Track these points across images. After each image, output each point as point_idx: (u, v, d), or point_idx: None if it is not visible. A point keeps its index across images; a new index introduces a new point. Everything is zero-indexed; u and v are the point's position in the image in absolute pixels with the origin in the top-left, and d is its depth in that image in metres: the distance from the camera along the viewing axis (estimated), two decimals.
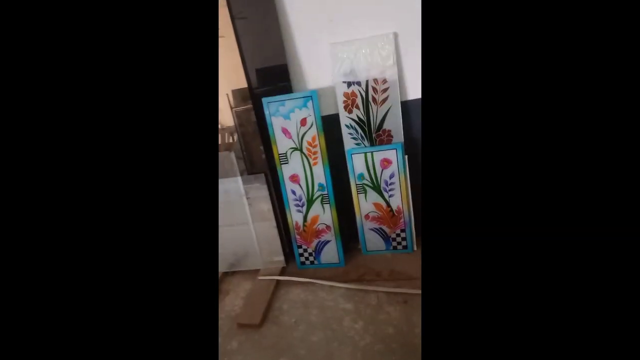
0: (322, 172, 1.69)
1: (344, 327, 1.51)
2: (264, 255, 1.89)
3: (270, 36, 1.57)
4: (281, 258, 1.88)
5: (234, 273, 1.97)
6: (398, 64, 1.55)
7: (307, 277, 1.78)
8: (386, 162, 1.68)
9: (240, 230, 1.84)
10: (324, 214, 1.76)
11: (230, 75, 1.62)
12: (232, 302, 1.78)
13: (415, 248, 1.81)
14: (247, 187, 1.78)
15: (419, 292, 1.57)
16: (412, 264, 1.73)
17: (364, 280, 1.71)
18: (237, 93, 1.68)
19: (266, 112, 1.64)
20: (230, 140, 1.78)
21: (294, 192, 1.76)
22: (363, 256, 1.86)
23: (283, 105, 1.63)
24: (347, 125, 1.68)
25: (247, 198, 1.80)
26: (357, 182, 1.74)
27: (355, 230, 1.84)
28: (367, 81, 1.59)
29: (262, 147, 1.72)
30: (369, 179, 1.72)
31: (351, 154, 1.70)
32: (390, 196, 1.74)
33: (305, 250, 1.85)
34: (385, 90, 1.59)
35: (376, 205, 1.76)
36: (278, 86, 1.64)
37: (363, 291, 1.67)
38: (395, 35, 1.51)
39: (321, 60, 1.61)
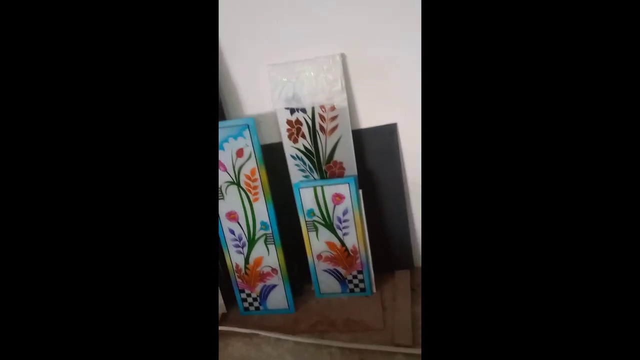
0: (265, 209, 1.48)
1: None
2: None
3: None
4: (220, 303, 1.65)
5: None
6: (347, 89, 1.36)
7: (250, 327, 1.56)
8: (338, 197, 1.49)
9: None
10: (269, 256, 1.55)
11: None
12: None
13: (374, 290, 1.62)
14: None
15: (378, 348, 1.39)
16: (371, 310, 1.55)
17: (315, 332, 1.51)
18: None
19: None
20: None
21: (232, 232, 1.53)
22: (316, 299, 1.66)
23: None
24: (292, 156, 1.47)
25: None
26: (307, 219, 1.54)
27: (308, 272, 1.63)
28: (312, 108, 1.39)
29: None
30: (320, 216, 1.52)
31: (299, 188, 1.50)
32: (344, 234, 1.54)
33: (248, 295, 1.63)
34: (334, 118, 1.40)
35: (329, 244, 1.57)
36: None
37: (314, 345, 1.46)
38: (343, 56, 1.32)
39: (259, 84, 1.39)
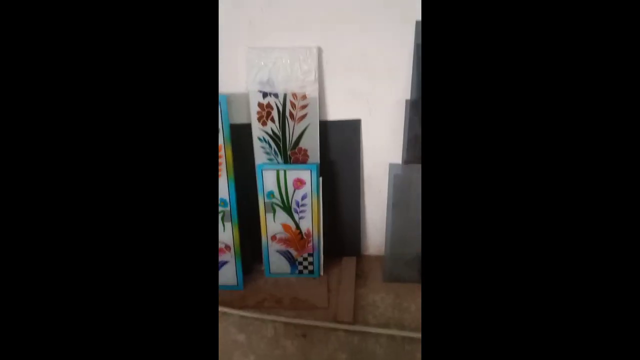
0: (226, 187, 1.51)
1: None
2: None
3: None
4: None
5: None
6: (320, 81, 1.44)
7: None
8: (299, 182, 1.56)
9: None
10: (224, 232, 1.58)
11: None
12: None
13: (321, 273, 1.73)
14: None
15: (320, 324, 1.49)
16: (317, 290, 1.64)
17: (262, 308, 1.58)
18: None
19: None
20: None
21: None
22: (265, 279, 1.72)
23: None
24: (259, 138, 1.53)
25: None
26: (266, 200, 1.60)
27: (259, 252, 1.69)
28: (285, 94, 1.45)
29: None
30: (279, 198, 1.59)
31: (262, 170, 1.55)
32: (300, 218, 1.62)
33: None
34: (304, 106, 1.47)
35: (285, 226, 1.64)
36: None
37: (259, 320, 1.53)
38: (320, 50, 1.40)
39: (236, 65, 1.42)
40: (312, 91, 1.44)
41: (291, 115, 1.48)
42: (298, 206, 1.60)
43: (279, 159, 1.56)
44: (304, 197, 1.58)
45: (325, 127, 1.53)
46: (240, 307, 1.57)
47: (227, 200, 1.54)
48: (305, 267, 1.72)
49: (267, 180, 1.56)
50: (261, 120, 1.50)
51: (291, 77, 1.42)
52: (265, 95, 1.45)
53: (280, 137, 1.52)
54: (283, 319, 1.52)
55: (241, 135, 1.51)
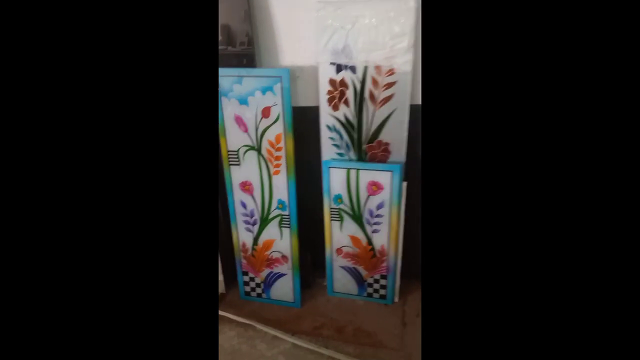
0: (285, 186, 1.22)
1: None
2: None
3: None
4: (220, 279, 1.44)
5: None
6: (416, 50, 1.03)
7: (248, 315, 1.36)
8: (375, 187, 1.20)
9: None
10: (281, 240, 1.31)
11: None
12: None
13: (395, 300, 1.37)
14: None
15: None
16: (388, 322, 1.32)
17: (319, 336, 1.29)
18: None
19: None
20: None
21: (243, 205, 1.29)
22: (327, 297, 1.43)
23: (240, 83, 1.12)
24: (329, 127, 1.19)
25: None
26: (333, 206, 1.27)
27: (322, 264, 1.39)
28: (365, 68, 1.08)
29: None
30: (348, 204, 1.25)
31: (329, 167, 1.22)
32: (374, 231, 1.28)
33: (252, 279, 1.40)
34: (390, 85, 1.09)
35: (353, 239, 1.31)
36: (235, 51, 1.13)
37: (315, 353, 1.24)
38: (419, 4, 0.98)
39: (302, 28, 1.09)
40: (403, 64, 1.05)
41: (372, 96, 1.11)
42: (372, 216, 1.25)
43: (352, 154, 1.21)
44: (380, 206, 1.22)
45: (418, 113, 1.13)
46: (295, 331, 1.31)
47: (286, 202, 1.24)
48: (376, 291, 1.38)
49: (335, 181, 1.23)
50: (332, 103, 1.15)
51: (376, 44, 1.04)
52: (339, 68, 1.10)
53: (356, 125, 1.16)
54: (343, 357, 1.20)
55: (306, 121, 1.21)
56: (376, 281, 1.36)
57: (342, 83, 1.12)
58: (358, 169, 1.20)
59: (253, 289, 1.43)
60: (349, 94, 1.12)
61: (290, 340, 1.28)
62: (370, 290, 1.38)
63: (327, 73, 1.12)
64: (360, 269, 1.35)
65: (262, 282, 1.40)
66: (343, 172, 1.22)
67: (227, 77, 1.12)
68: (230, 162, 1.23)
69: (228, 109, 1.16)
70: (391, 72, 1.07)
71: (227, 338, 1.32)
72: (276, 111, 1.13)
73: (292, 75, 1.14)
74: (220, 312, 1.38)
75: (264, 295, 1.42)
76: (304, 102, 1.20)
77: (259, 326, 1.33)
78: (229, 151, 1.22)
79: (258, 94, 1.12)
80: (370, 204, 1.23)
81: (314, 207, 1.32)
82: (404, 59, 1.04)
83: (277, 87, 1.10)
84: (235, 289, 1.47)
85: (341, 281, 1.40)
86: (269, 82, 1.10)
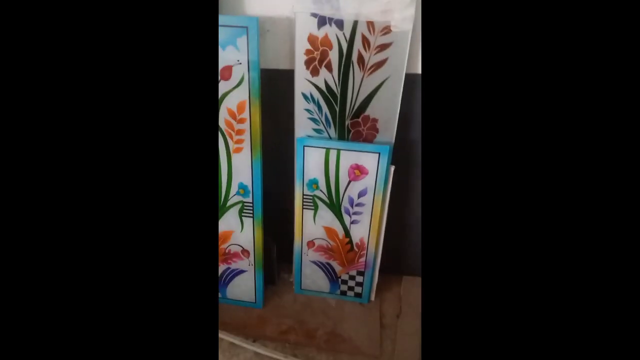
0: (249, 166, 1.00)
1: None
2: None
3: None
4: None
5: None
6: (418, 5, 0.84)
7: None
8: (358, 171, 1.02)
9: None
10: (242, 232, 1.10)
11: None
12: None
13: (372, 298, 1.23)
14: None
15: None
16: (365, 324, 1.19)
17: (285, 341, 1.13)
18: None
19: None
20: None
21: None
22: (293, 296, 1.26)
23: None
24: (305, 96, 0.97)
25: None
26: (306, 192, 1.08)
27: (289, 258, 1.20)
28: (355, 23, 0.87)
29: None
30: (325, 191, 1.07)
31: (303, 146, 1.01)
32: (352, 222, 1.11)
33: None
34: (384, 47, 0.89)
35: (328, 230, 1.13)
36: None
37: None
38: None
39: None
40: (402, 20, 0.85)
41: (360, 59, 0.91)
42: (352, 205, 1.07)
43: (332, 131, 1.00)
44: (362, 194, 1.05)
45: (414, 84, 0.95)
46: (257, 337, 1.14)
47: (249, 187, 1.03)
48: (351, 288, 1.22)
49: (311, 163, 1.03)
50: (311, 66, 0.93)
51: None
52: (321, 22, 0.87)
53: (338, 96, 0.96)
54: None
55: (276, 88, 0.99)
56: (351, 277, 1.20)
57: (325, 41, 0.90)
58: (339, 149, 1.00)
59: None
60: (333, 55, 0.91)
61: (252, 348, 1.11)
62: (344, 287, 1.22)
63: (306, 27, 0.89)
64: (335, 264, 1.18)
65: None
66: (321, 153, 1.01)
67: None
68: None
69: None
70: (387, 30, 0.86)
71: None
72: (239, 72, 0.89)
73: (262, 28, 0.90)
74: None
75: (219, 295, 1.21)
76: (275, 63, 0.97)
77: None
78: None
79: (218, 48, 0.87)
80: (351, 190, 1.05)
81: (283, 193, 1.12)
82: (404, 15, 0.84)
83: (242, 41, 0.86)
84: None
85: (311, 277, 1.22)
86: (230, 34, 0.86)
